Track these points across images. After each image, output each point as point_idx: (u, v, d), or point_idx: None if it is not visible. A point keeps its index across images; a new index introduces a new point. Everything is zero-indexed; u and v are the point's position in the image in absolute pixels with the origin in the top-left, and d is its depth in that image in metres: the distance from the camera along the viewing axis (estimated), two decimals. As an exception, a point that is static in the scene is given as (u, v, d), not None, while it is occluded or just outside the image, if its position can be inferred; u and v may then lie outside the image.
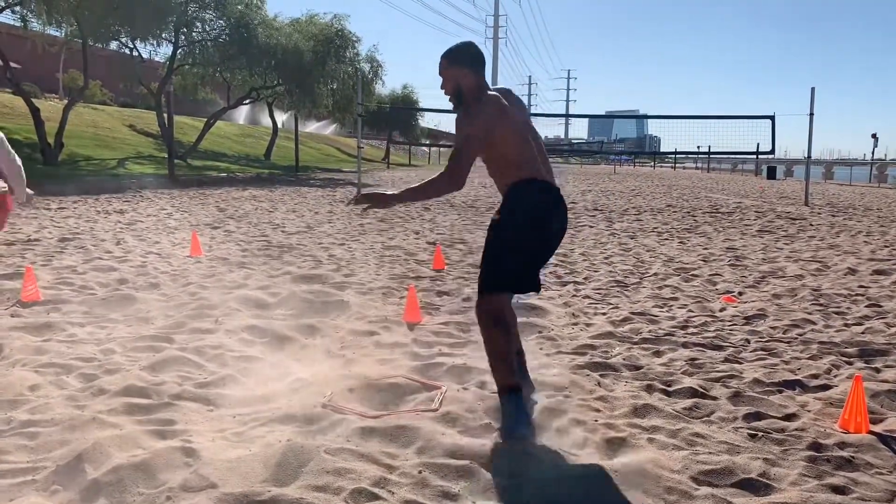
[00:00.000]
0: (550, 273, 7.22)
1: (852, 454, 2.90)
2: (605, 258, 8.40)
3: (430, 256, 8.08)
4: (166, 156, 22.35)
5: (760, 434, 3.10)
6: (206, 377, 3.72)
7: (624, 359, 4.21)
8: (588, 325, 5.08)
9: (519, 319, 4.98)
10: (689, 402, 3.46)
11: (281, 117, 39.09)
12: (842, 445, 2.99)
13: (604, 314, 5.42)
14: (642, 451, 2.87)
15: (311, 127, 53.87)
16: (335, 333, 4.63)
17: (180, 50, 25.33)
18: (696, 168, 61.90)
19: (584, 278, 7.00)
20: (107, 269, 6.56)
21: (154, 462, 2.63)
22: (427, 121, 59.10)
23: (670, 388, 3.68)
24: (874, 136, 36.56)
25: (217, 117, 30.34)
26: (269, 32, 25.59)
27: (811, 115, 17.64)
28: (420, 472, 2.64)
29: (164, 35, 24.13)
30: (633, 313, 5.40)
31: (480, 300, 3.21)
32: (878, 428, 3.18)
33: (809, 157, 19.11)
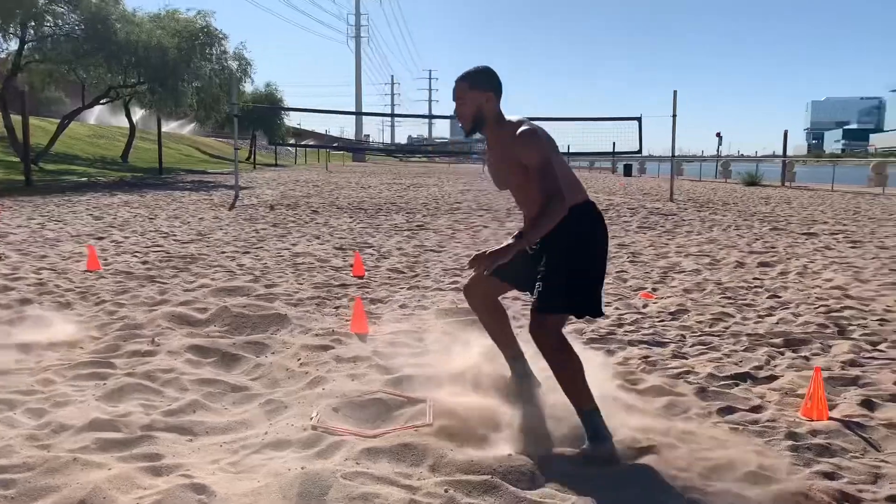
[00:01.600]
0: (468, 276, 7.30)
1: (827, 441, 3.15)
2: (514, 259, 8.57)
3: (345, 263, 7.96)
4: (16, 159, 20.67)
5: (741, 428, 3.29)
6: (170, 404, 3.49)
7: (584, 360, 4.32)
8: (531, 327, 5.18)
9: (463, 322, 5.02)
10: (664, 401, 3.62)
11: (135, 116, 37.03)
12: (814, 433, 3.23)
13: (541, 316, 5.55)
14: (647, 452, 2.97)
15: (168, 126, 51.43)
16: (287, 349, 4.47)
17: (28, 45, 23.47)
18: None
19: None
20: (1, 289, 6.00)
21: (167, 503, 2.45)
22: (291, 119, 57.90)
23: (639, 388, 3.83)
24: (718, 134, 39.48)
25: (72, 117, 28.33)
26: (130, 28, 24.20)
27: (674, 116, 18.82)
28: (446, 490, 2.61)
29: (10, 29, 22.26)
30: (568, 314, 5.56)
31: (544, 323, 3.14)
32: (835, 414, 3.46)
33: (673, 155, 20.37)
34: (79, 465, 2.73)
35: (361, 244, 9.68)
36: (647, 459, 2.89)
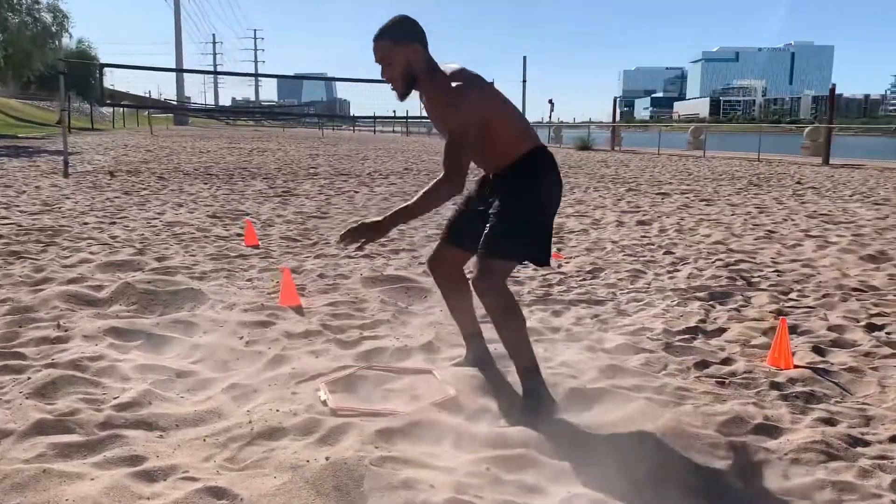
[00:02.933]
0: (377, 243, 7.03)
1: (809, 389, 3.27)
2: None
3: (228, 232, 7.41)
4: None
5: (727, 381, 3.35)
6: (118, 396, 3.03)
7: (538, 321, 4.26)
8: (465, 292, 5.04)
9: (394, 290, 4.82)
10: (640, 358, 3.63)
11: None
12: (792, 382, 3.34)
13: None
14: (659, 412, 2.93)
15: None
16: (221, 327, 4.04)
17: None
18: (393, 132, 64.08)
19: (408, 244, 6.93)
20: None
21: (192, 514, 2.09)
22: (108, 79, 53.42)
23: (607, 346, 3.82)
24: (551, 101, 40.81)
25: None
26: (-82, -30, 21.08)
27: (524, 81, 19.22)
28: (487, 469, 2.44)
29: None
30: (493, 277, 5.47)
31: (490, 271, 2.92)
32: (798, 362, 3.61)
33: (523, 119, 20.82)
34: (52, 477, 2.28)
35: (234, 212, 9.06)
36: (666, 420, 2.84)
